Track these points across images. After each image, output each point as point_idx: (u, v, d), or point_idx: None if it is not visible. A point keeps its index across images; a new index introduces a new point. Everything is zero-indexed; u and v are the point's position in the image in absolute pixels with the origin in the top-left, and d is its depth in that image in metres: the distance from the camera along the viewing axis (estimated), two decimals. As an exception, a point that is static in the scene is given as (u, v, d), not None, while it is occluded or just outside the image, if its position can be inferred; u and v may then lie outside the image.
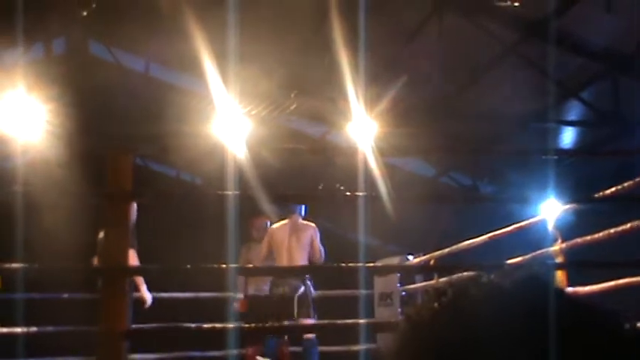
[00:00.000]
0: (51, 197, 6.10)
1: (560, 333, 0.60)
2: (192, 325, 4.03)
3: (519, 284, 0.65)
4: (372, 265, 5.48)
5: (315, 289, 6.15)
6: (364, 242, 7.45)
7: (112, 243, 3.56)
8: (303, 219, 6.08)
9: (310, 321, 5.86)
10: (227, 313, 6.09)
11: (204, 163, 6.82)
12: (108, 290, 3.52)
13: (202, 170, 8.13)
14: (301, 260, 5.86)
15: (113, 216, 3.52)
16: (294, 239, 5.96)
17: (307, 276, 5.91)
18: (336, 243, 8.17)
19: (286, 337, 6.36)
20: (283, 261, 5.85)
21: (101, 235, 5.83)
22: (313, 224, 6.05)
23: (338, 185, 7.77)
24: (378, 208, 5.41)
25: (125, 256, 3.59)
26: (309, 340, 6.06)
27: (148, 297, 6.09)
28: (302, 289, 5.87)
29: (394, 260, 7.30)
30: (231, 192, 4.64)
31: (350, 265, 4.37)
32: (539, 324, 0.60)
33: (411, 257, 7.24)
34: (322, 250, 6.00)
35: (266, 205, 6.27)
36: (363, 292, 7.40)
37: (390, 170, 6.93)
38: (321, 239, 6.14)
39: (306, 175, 8.01)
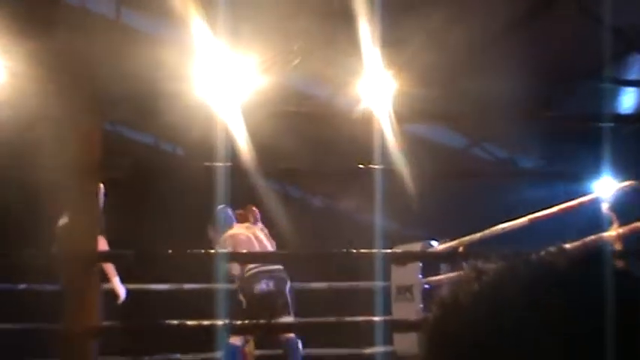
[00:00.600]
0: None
1: (628, 316, 0.60)
2: (174, 322, 4.06)
3: (577, 263, 0.65)
4: (388, 251, 5.50)
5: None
6: (380, 226, 7.48)
7: (78, 225, 3.57)
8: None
9: (290, 319, 6.05)
10: (216, 307, 6.12)
11: (188, 129, 6.81)
12: (74, 281, 3.54)
13: (186, 139, 8.12)
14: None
15: (79, 193, 3.52)
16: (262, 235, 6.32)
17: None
18: (346, 226, 8.20)
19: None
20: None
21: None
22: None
23: (348, 157, 7.77)
24: (397, 185, 5.42)
25: (94, 241, 3.61)
26: (290, 339, 6.15)
27: (120, 289, 6.14)
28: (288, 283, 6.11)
29: (415, 247, 7.31)
30: (221, 164, 4.65)
31: (362, 251, 4.38)
32: (601, 307, 0.61)
33: (435, 243, 7.26)
34: None
35: (261, 182, 6.29)
36: (378, 284, 7.44)
37: (411, 140, 6.91)
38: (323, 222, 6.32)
39: (309, 145, 8.02)
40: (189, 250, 4.85)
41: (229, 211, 6.55)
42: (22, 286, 6.78)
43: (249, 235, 6.38)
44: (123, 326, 4.21)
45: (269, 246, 6.36)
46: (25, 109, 6.69)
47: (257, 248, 6.21)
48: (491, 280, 0.65)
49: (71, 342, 3.56)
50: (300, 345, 6.33)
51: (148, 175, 4.61)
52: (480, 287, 0.65)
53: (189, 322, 4.12)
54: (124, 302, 6.26)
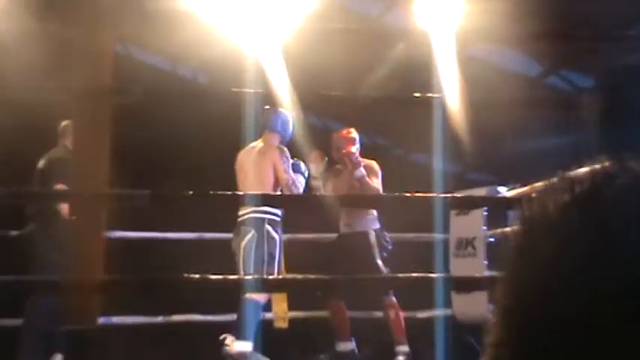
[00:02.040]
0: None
1: None
2: (195, 276, 4.07)
3: None
4: (448, 196, 5.46)
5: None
6: (438, 168, 7.44)
7: (85, 159, 3.57)
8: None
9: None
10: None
11: (211, 52, 6.77)
12: (79, 225, 3.55)
13: (208, 63, 8.10)
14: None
15: (88, 120, 3.52)
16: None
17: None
18: (397, 168, 8.16)
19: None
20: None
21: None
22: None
23: (401, 85, 7.70)
24: (460, 119, 5.36)
25: (104, 178, 3.61)
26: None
27: None
28: None
29: (479, 193, 7.26)
30: (250, 90, 4.60)
31: (417, 195, 4.34)
32: None
33: (503, 189, 7.20)
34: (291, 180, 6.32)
35: (298, 113, 6.27)
36: (436, 236, 7.42)
37: (475, 66, 6.82)
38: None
39: (354, 71, 7.95)
40: (212, 192, 4.87)
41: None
42: (13, 233, 6.81)
43: None
44: (133, 279, 4.23)
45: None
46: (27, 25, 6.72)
47: None
48: (586, 190, 0.66)
49: (75, 295, 3.59)
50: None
51: (163, 101, 4.60)
52: (572, 199, 0.65)
53: (212, 277, 4.14)
54: (134, 253, 6.34)
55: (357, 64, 7.64)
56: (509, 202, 6.90)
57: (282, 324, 7.19)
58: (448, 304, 7.32)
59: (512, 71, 8.50)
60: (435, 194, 5.37)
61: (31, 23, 6.54)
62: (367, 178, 6.58)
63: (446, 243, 7.57)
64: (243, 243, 6.18)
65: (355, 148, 6.72)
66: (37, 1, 4.51)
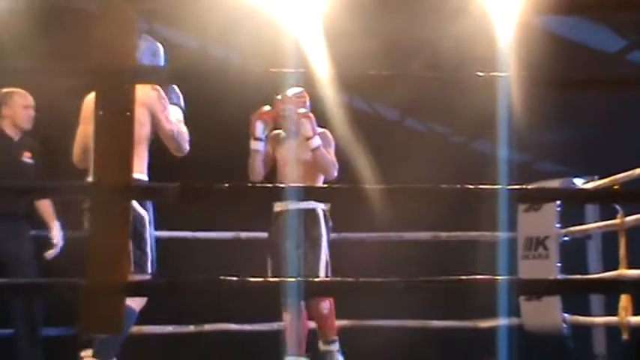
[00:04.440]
0: (15, 75, 6.31)
1: None
2: (231, 279, 4.14)
3: None
4: (516, 188, 5.46)
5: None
6: (504, 157, 7.45)
7: (109, 148, 3.64)
8: None
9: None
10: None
11: (243, 28, 6.84)
12: (102, 220, 3.63)
13: (241, 41, 8.17)
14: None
15: (111, 104, 3.59)
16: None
17: None
18: (457, 157, 8.19)
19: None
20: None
21: (87, 132, 5.93)
22: None
23: (460, 63, 7.71)
24: (527, 102, 5.38)
25: (128, 169, 3.69)
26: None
27: (58, 238, 6.26)
28: None
29: (552, 185, 7.26)
30: (290, 70, 4.66)
31: (481, 187, 4.37)
32: None
33: (579, 181, 7.20)
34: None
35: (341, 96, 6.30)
36: (500, 235, 7.42)
37: (546, 40, 6.82)
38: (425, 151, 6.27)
39: (401, 48, 7.97)
40: (251, 184, 4.91)
41: None
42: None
43: None
44: (161, 282, 4.29)
45: None
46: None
47: None
48: None
49: (95, 299, 3.66)
50: None
51: (193, 81, 4.63)
52: None
53: (251, 279, 4.21)
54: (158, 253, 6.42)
55: (408, 41, 7.66)
56: (586, 196, 6.89)
57: None
58: (514, 312, 7.35)
59: (590, 46, 8.48)
60: (500, 186, 5.38)
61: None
62: (324, 151, 6.46)
63: (512, 243, 7.58)
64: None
65: (310, 122, 6.49)
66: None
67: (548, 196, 6.38)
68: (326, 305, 6.50)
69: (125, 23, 3.81)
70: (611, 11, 6.15)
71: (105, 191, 3.65)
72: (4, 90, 6.18)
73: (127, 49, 3.81)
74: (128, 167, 3.71)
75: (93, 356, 5.19)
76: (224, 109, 6.90)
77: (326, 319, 6.51)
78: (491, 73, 4.44)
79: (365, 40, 6.74)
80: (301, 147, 6.50)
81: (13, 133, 6.31)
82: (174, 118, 5.42)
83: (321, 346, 6.56)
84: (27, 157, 6.27)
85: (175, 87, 5.57)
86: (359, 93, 8.74)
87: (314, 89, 4.97)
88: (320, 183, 6.50)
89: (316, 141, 6.42)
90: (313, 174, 6.47)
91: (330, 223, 6.54)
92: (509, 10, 4.66)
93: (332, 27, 5.10)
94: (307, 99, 6.49)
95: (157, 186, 3.87)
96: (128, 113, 3.66)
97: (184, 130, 5.45)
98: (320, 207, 6.38)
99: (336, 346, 6.58)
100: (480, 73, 4.59)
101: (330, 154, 6.50)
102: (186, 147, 5.46)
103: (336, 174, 6.47)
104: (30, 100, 6.30)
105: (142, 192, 3.95)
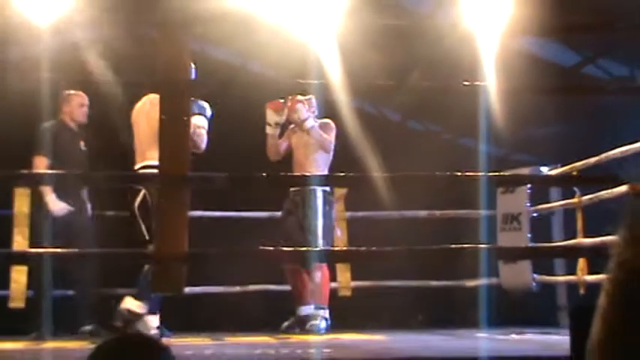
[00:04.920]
0: (83, 87, 6.32)
1: None
2: (269, 248, 4.17)
3: None
4: (495, 174, 5.47)
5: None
6: (485, 150, 7.43)
7: (167, 144, 3.67)
8: None
9: None
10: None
11: (276, 48, 6.84)
12: (165, 202, 3.66)
13: (274, 59, 8.17)
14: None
15: (169, 110, 3.62)
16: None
17: None
18: (448, 151, 8.17)
19: None
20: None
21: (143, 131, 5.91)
22: None
23: (450, 75, 7.67)
24: (503, 106, 5.36)
25: (185, 161, 3.71)
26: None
27: (57, 210, 6.25)
28: None
29: (523, 172, 7.26)
30: (314, 81, 4.66)
31: (467, 174, 4.38)
32: None
33: (545, 169, 7.19)
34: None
35: (354, 102, 6.28)
36: (483, 212, 7.43)
37: (514, 57, 6.79)
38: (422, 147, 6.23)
39: (406, 64, 7.95)
40: (283, 173, 4.95)
41: None
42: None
43: None
44: (216, 252, 4.34)
45: None
46: (105, 31, 6.84)
47: None
48: None
49: (162, 266, 3.68)
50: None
51: (235, 91, 4.68)
52: None
53: (285, 249, 4.23)
54: (209, 230, 6.43)
55: (409, 56, 7.65)
56: (551, 181, 6.89)
57: (346, 292, 7.27)
58: (494, 273, 7.35)
59: (552, 60, 8.44)
60: (482, 174, 5.39)
61: (105, 30, 6.69)
62: (318, 129, 6.38)
63: (492, 218, 7.59)
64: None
65: (304, 108, 6.43)
66: (128, 8, 4.64)
67: (521, 180, 6.41)
68: (318, 275, 6.29)
69: (180, 45, 3.83)
70: (572, 33, 6.14)
71: (169, 180, 3.68)
72: (66, 92, 6.29)
73: (183, 66, 3.83)
74: (185, 161, 3.74)
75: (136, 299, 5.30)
76: (255, 109, 6.88)
77: (319, 286, 6.29)
78: (474, 83, 4.43)
79: (373, 56, 6.72)
80: (302, 130, 6.46)
81: (73, 125, 6.42)
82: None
83: (310, 310, 6.26)
84: (82, 145, 6.37)
85: (199, 101, 5.54)
86: (368, 99, 8.72)
87: (331, 96, 5.02)
88: (319, 161, 6.43)
89: (310, 122, 6.38)
90: (314, 152, 6.42)
91: (332, 199, 6.52)
92: (487, 33, 4.67)
93: (346, 44, 5.10)
94: (314, 101, 6.48)
95: (208, 175, 3.90)
96: (185, 118, 3.69)
97: (201, 133, 5.50)
98: (320, 189, 6.29)
99: (324, 313, 6.28)
100: (466, 83, 4.59)
101: (330, 137, 6.43)
102: (203, 146, 5.53)
103: (331, 151, 6.43)
104: (85, 99, 6.42)
105: (197, 180, 4.00)
